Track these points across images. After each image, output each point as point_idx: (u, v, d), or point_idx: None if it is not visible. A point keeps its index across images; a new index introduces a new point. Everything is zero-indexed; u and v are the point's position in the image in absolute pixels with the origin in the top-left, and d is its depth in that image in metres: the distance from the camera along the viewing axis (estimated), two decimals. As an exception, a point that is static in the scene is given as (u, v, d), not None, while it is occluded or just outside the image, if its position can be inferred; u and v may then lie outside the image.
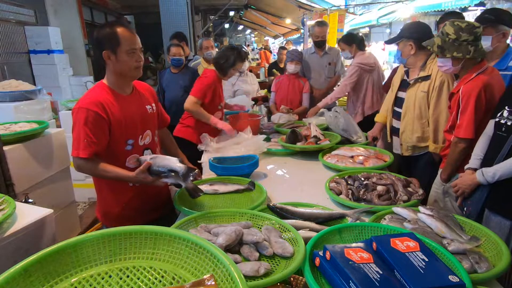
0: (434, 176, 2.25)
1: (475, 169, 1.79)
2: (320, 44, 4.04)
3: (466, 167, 1.87)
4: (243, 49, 2.80)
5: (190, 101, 2.80)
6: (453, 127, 2.01)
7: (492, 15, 2.08)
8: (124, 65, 1.69)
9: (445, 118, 2.31)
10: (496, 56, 2.14)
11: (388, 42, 2.69)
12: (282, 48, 6.32)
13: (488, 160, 1.75)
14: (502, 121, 1.71)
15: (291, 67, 3.78)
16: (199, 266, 0.88)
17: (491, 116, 1.88)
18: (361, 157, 2.26)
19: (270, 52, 13.37)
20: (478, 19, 2.17)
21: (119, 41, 1.65)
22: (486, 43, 2.06)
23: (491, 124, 1.82)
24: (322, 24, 4.04)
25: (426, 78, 2.39)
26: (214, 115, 2.85)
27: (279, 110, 3.70)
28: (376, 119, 2.87)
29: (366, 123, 3.26)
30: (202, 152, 2.56)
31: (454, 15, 2.69)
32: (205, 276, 0.82)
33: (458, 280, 0.95)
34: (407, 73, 2.57)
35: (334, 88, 4.30)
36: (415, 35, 2.39)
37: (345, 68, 4.54)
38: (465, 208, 1.84)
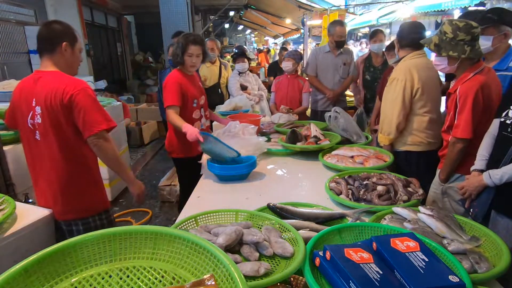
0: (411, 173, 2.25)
1: (481, 171, 1.78)
2: (340, 44, 3.94)
3: (472, 168, 1.85)
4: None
5: (167, 114, 2.61)
6: (451, 127, 2.01)
7: (494, 15, 2.07)
8: (76, 60, 1.92)
9: (391, 111, 2.40)
10: (497, 57, 2.13)
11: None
12: (283, 48, 6.32)
13: (494, 161, 1.73)
14: (508, 121, 1.69)
15: (285, 64, 3.81)
16: (199, 266, 0.88)
17: (488, 115, 1.88)
18: (361, 157, 2.26)
19: (268, 51, 13.37)
20: (480, 18, 2.17)
21: (76, 38, 1.89)
22: (487, 43, 2.06)
23: (495, 124, 1.80)
24: (341, 24, 3.96)
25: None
26: (193, 113, 2.75)
27: (279, 110, 3.70)
28: None
29: None
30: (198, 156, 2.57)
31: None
32: (205, 276, 0.82)
33: (458, 280, 0.95)
34: None
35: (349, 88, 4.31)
36: (398, 34, 2.57)
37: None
38: (471, 210, 1.83)
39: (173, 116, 2.56)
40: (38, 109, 1.77)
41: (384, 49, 3.84)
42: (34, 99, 1.78)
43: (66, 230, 1.91)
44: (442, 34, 1.97)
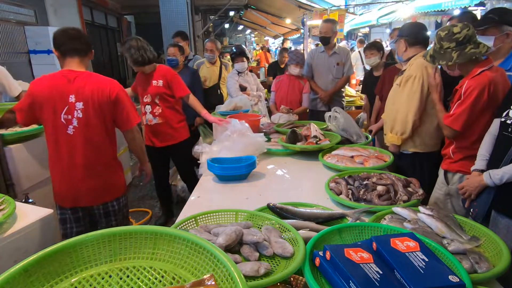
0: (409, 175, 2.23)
1: (482, 171, 1.78)
2: (324, 41, 4.01)
3: (472, 168, 1.85)
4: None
5: None
6: None
7: (496, 15, 2.06)
8: None
9: (403, 111, 2.35)
10: (500, 56, 2.11)
11: (392, 43, 2.83)
12: (284, 49, 6.32)
13: (495, 161, 1.73)
14: (508, 121, 1.69)
15: (295, 71, 3.80)
16: (199, 266, 0.88)
17: (491, 114, 1.88)
18: (361, 157, 2.26)
19: (269, 51, 13.38)
20: (482, 19, 2.17)
21: None
22: (488, 43, 2.05)
23: (496, 124, 1.80)
24: (327, 21, 4.04)
25: (403, 72, 2.48)
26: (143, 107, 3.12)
27: (279, 110, 3.70)
28: (382, 116, 2.96)
29: None
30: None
31: (465, 16, 2.71)
32: (205, 276, 0.82)
33: (458, 280, 0.95)
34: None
35: (342, 90, 4.30)
36: (406, 33, 2.52)
37: (354, 69, 4.57)
38: (471, 210, 1.83)
39: None
40: (79, 105, 1.98)
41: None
42: (72, 96, 1.97)
43: (101, 213, 2.17)
44: (434, 44, 2.03)
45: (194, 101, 3.06)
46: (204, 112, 3.01)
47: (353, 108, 5.45)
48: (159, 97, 3.03)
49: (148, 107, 3.06)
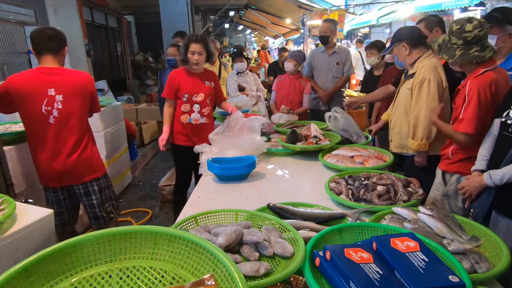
0: (422, 178, 2.21)
1: (482, 171, 1.77)
2: (323, 40, 4.05)
3: (472, 168, 1.85)
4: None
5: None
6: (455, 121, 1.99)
7: (500, 14, 2.05)
8: None
9: (425, 115, 2.29)
10: (501, 56, 2.10)
11: (385, 52, 2.77)
12: (283, 49, 6.32)
13: (495, 161, 1.72)
14: (509, 122, 1.68)
15: (287, 65, 3.85)
16: (199, 266, 0.88)
17: (492, 115, 1.87)
18: (361, 157, 2.26)
19: (269, 52, 13.40)
20: (486, 17, 2.15)
21: None
22: (491, 41, 2.04)
23: (496, 124, 1.79)
24: (326, 21, 4.11)
25: (412, 75, 2.42)
26: (182, 106, 2.94)
27: (279, 110, 3.70)
28: (382, 117, 2.95)
29: None
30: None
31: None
32: (205, 276, 0.82)
33: (458, 280, 0.95)
34: (406, 73, 2.59)
35: (343, 90, 4.31)
36: (406, 36, 2.45)
37: (354, 70, 4.58)
38: (471, 210, 1.82)
39: (165, 110, 3.01)
40: (59, 97, 2.16)
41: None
42: (51, 89, 2.14)
43: (82, 193, 2.37)
44: (446, 35, 1.98)
45: (226, 104, 3.17)
46: (231, 108, 3.05)
47: (363, 108, 5.41)
48: (211, 98, 3.02)
49: (197, 106, 2.95)
